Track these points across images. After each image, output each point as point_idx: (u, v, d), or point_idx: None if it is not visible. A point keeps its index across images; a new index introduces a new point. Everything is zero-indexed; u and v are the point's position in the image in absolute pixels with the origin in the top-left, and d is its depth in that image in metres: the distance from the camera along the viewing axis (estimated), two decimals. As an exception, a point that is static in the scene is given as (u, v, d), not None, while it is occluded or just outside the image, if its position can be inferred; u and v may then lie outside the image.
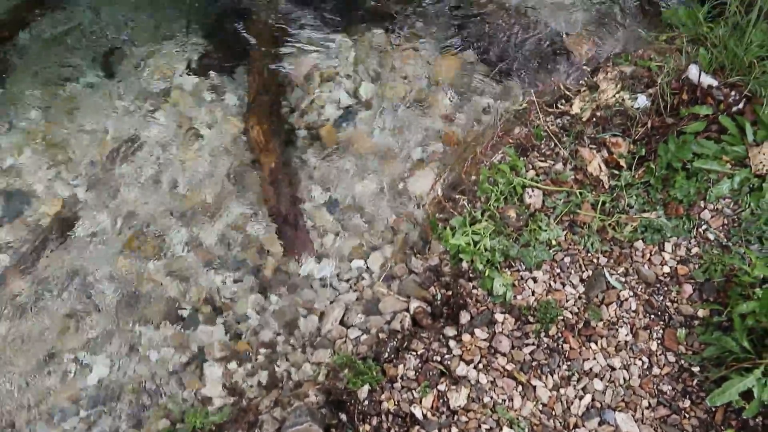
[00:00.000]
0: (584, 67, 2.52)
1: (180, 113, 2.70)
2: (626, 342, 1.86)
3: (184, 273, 2.32)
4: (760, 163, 2.08)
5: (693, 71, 2.21)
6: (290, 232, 2.35)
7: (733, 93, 2.19)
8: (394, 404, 1.77)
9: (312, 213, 2.40)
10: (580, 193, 2.06)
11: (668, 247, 2.00)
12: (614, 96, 2.25)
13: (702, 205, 2.05)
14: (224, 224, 2.43)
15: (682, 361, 1.81)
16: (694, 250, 1.99)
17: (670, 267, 1.97)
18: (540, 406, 1.77)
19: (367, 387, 1.82)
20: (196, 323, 2.23)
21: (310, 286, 2.25)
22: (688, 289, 1.93)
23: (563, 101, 2.34)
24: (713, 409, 1.74)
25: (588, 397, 1.78)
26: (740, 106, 2.18)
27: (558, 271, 1.98)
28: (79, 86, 2.80)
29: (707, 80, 2.19)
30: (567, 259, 1.99)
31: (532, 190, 2.06)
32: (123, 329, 2.21)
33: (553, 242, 2.00)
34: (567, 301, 1.93)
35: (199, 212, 2.45)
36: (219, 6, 3.01)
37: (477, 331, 1.88)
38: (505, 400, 1.77)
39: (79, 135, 2.66)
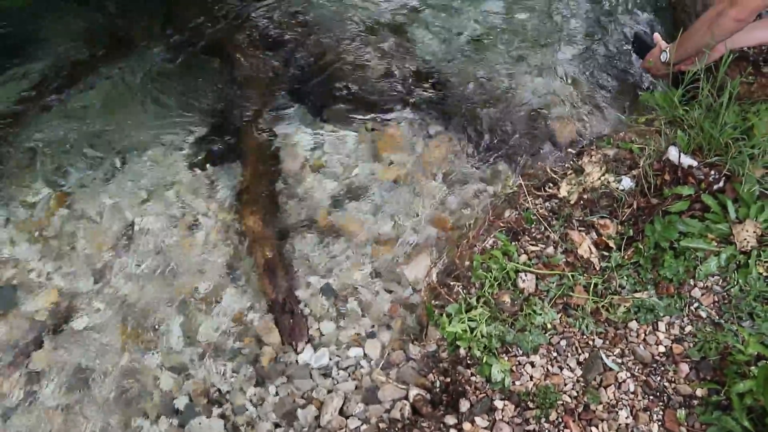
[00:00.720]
0: (569, 150, 2.63)
1: (176, 204, 2.75)
2: (627, 425, 1.86)
3: (180, 364, 2.31)
4: (745, 239, 2.14)
5: (673, 153, 2.30)
6: (287, 321, 2.35)
7: (712, 172, 2.27)
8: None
9: (309, 300, 2.42)
10: (572, 276, 2.10)
11: (662, 326, 2.03)
12: (599, 179, 2.33)
13: (692, 283, 2.10)
14: (221, 314, 2.44)
15: (685, 444, 1.81)
16: (688, 328, 2.02)
17: (665, 346, 2.00)
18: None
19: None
20: (192, 416, 2.20)
21: (309, 376, 2.24)
22: (684, 368, 1.94)
23: (551, 184, 2.42)
24: (719, 492, 1.73)
25: (593, 484, 1.77)
26: (721, 184, 2.26)
27: (555, 354, 2.00)
28: (75, 179, 2.86)
29: (687, 161, 2.28)
30: (563, 342, 2.01)
31: (525, 275, 2.10)
32: (118, 424, 2.19)
33: (549, 326, 2.03)
34: (565, 385, 1.94)
35: (195, 302, 2.47)
36: (212, 99, 3.11)
37: (477, 420, 1.87)
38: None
39: (77, 226, 2.69)
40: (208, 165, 2.89)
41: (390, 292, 2.39)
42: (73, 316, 2.43)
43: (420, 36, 3.35)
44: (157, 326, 2.39)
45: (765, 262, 2.09)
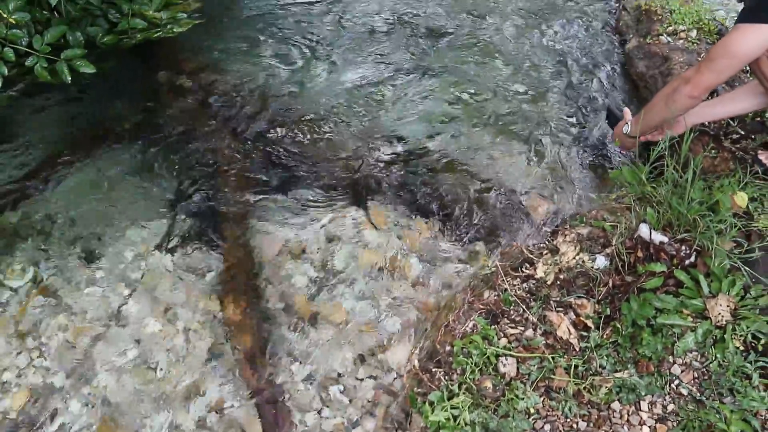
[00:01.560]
0: (544, 228, 2.68)
1: (156, 292, 2.74)
2: None
3: (162, 462, 2.26)
4: (719, 314, 2.17)
5: (644, 230, 2.36)
6: (270, 412, 2.32)
7: (683, 248, 2.32)
8: None
9: (291, 389, 2.39)
10: (553, 358, 2.11)
11: (644, 405, 2.03)
12: (574, 258, 2.37)
13: (671, 360, 2.11)
14: (202, 406, 2.40)
15: None
16: (670, 407, 2.02)
17: (649, 426, 1.99)
18: None
19: None
20: None
21: (293, 469, 2.20)
22: (669, 449, 1.94)
23: (527, 264, 2.46)
24: None
25: None
26: (692, 259, 2.32)
27: (540, 440, 1.99)
28: (53, 267, 2.84)
29: (658, 237, 2.34)
30: (547, 427, 2.00)
31: (506, 359, 2.11)
32: None
33: (532, 410, 2.02)
34: (552, 471, 1.92)
35: (175, 394, 2.43)
36: (191, 187, 3.15)
37: None
38: None
39: (53, 319, 2.66)
40: (187, 253, 2.90)
41: (373, 378, 2.38)
42: (48, 416, 2.38)
43: (396, 118, 3.45)
44: (137, 422, 2.35)
45: (741, 336, 2.13)
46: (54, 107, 3.62)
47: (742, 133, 2.97)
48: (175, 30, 4.22)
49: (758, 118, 3.03)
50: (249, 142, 3.32)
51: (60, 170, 3.27)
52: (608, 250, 2.37)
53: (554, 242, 2.50)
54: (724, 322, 2.15)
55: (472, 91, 3.60)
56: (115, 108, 3.61)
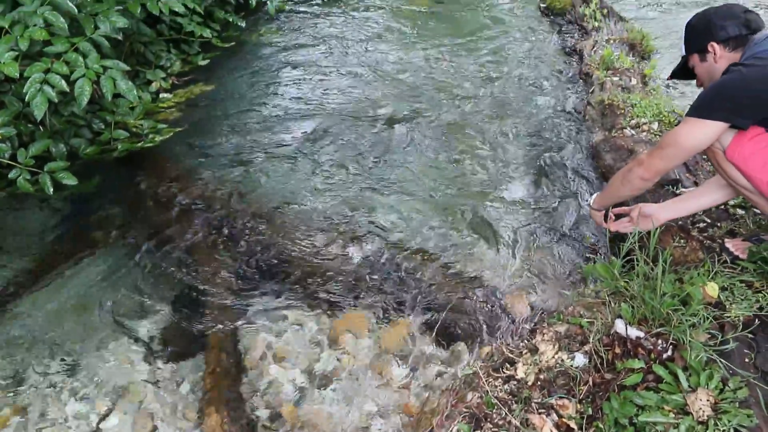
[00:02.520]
0: (523, 326, 2.71)
1: (138, 403, 2.70)
2: None
3: None
4: (700, 409, 2.18)
5: (620, 325, 2.40)
6: None
7: (660, 342, 2.36)
8: None
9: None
10: (538, 463, 2.10)
11: (633, 508, 2.01)
12: (554, 357, 2.39)
13: (656, 459, 2.10)
14: None
15: None
16: None
17: None
18: None
19: None
20: None
21: None
22: None
23: (508, 365, 2.47)
24: None
25: None
26: (669, 353, 2.34)
27: None
28: (32, 383, 2.81)
29: (634, 333, 2.37)
30: None
31: (491, 466, 2.09)
32: None
33: None
34: None
35: None
36: (172, 295, 3.17)
37: None
38: None
39: (32, 436, 2.61)
40: (169, 361, 2.88)
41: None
42: None
43: (370, 215, 3.53)
44: None
45: (723, 430, 2.13)
46: (35, 218, 3.67)
47: (709, 221, 3.08)
48: (156, 139, 4.37)
49: (722, 206, 3.14)
50: (229, 248, 3.37)
51: (40, 281, 3.28)
52: (586, 348, 2.40)
53: (533, 341, 2.53)
54: (706, 417, 2.16)
55: (445, 184, 3.72)
56: (97, 219, 3.67)
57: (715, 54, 2.56)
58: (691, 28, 2.66)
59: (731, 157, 2.59)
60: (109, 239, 3.47)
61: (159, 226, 3.53)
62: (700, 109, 2.38)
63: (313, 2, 6.78)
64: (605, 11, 5.68)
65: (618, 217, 2.99)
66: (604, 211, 2.93)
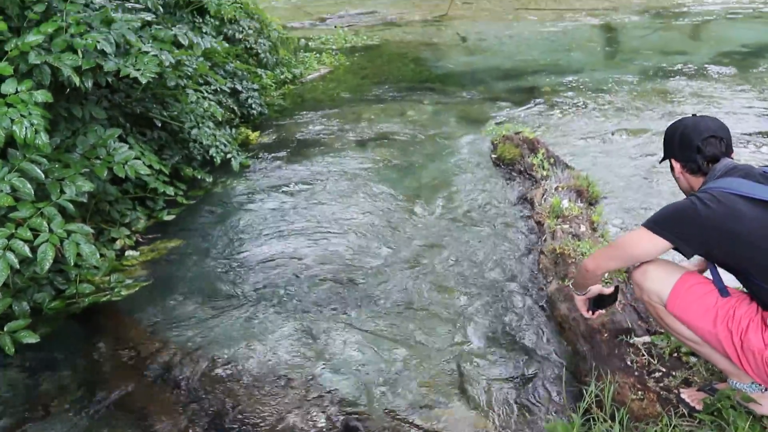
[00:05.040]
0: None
1: None
2: None
3: None
4: None
5: (583, 490, 2.38)
6: None
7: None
8: None
9: None
10: None
11: None
12: None
13: None
14: None
15: None
16: None
17: None
18: None
19: None
20: None
21: None
22: None
23: None
24: None
25: None
26: None
27: None
28: None
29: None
30: None
31: None
32: None
33: None
34: None
35: None
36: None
37: None
38: None
39: None
40: None
41: None
42: None
43: (334, 374, 3.52)
44: None
45: None
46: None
47: (663, 370, 3.14)
48: (122, 294, 4.38)
49: (675, 354, 3.23)
50: (190, 412, 3.29)
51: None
52: None
53: None
54: None
55: (407, 347, 3.74)
56: (54, 380, 3.59)
57: (675, 169, 2.74)
58: (665, 134, 2.82)
59: (672, 309, 2.70)
60: (64, 406, 3.36)
61: (116, 389, 3.45)
62: (653, 224, 2.51)
63: (278, 156, 7.11)
64: (552, 160, 6.05)
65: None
66: (585, 297, 3.02)
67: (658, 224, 2.50)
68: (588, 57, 11.74)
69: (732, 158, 2.63)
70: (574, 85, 9.68)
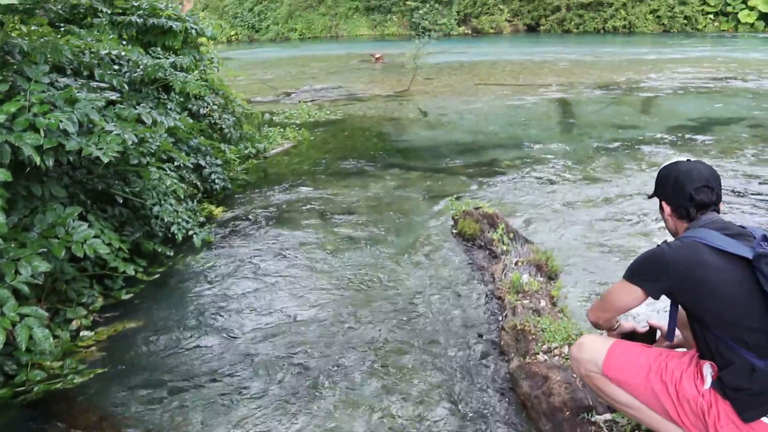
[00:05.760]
0: None
1: None
2: None
3: None
4: None
5: None
6: None
7: None
8: None
9: None
10: None
11: None
12: None
13: None
14: None
15: None
16: None
17: None
18: None
19: None
20: None
21: None
22: None
23: None
24: None
25: None
26: None
27: None
28: None
29: None
30: None
31: None
32: None
33: None
34: None
35: None
36: None
37: None
38: None
39: None
40: None
41: None
42: None
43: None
44: None
45: None
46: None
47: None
48: (75, 381, 4.25)
49: (636, 431, 3.24)
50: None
51: None
52: None
53: None
54: None
55: (366, 426, 3.69)
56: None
57: (664, 211, 2.82)
58: (658, 174, 2.89)
59: (608, 371, 2.80)
60: None
61: None
62: (629, 273, 2.67)
63: (241, 232, 7.10)
64: (512, 234, 6.18)
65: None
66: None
67: (632, 273, 2.66)
68: (545, 131, 12.17)
69: (719, 209, 2.74)
70: (532, 158, 9.99)
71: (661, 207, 2.86)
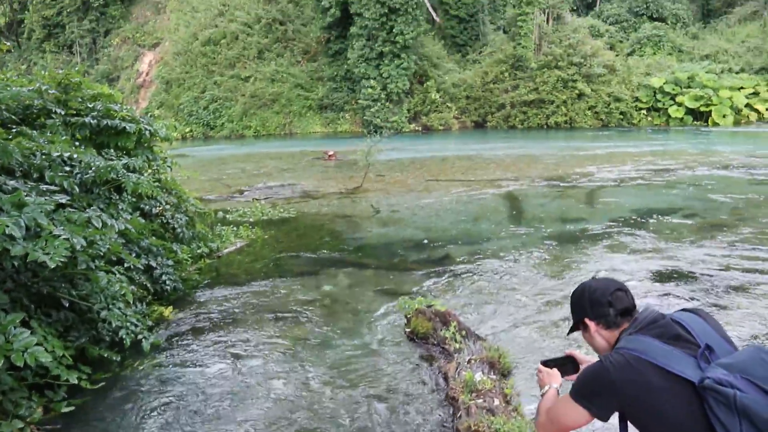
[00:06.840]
0: None
1: None
2: None
3: None
4: None
5: None
6: None
7: None
8: None
9: None
10: None
11: None
12: None
13: None
14: None
15: None
16: None
17: None
18: None
19: None
20: None
21: None
22: None
23: None
24: None
25: None
26: None
27: None
28: None
29: None
30: None
31: None
32: None
33: None
34: None
35: None
36: None
37: None
38: None
39: None
40: None
41: None
42: None
43: None
44: None
45: None
46: None
47: None
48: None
49: None
50: None
51: None
52: None
53: None
54: None
55: None
56: None
57: (589, 329, 2.76)
58: (571, 300, 2.87)
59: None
60: None
61: None
62: (574, 392, 2.56)
63: (191, 334, 6.97)
64: (464, 332, 6.23)
65: None
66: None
67: (578, 392, 2.56)
68: (495, 225, 12.51)
69: (638, 310, 2.72)
70: (482, 253, 10.20)
71: (584, 329, 2.82)
